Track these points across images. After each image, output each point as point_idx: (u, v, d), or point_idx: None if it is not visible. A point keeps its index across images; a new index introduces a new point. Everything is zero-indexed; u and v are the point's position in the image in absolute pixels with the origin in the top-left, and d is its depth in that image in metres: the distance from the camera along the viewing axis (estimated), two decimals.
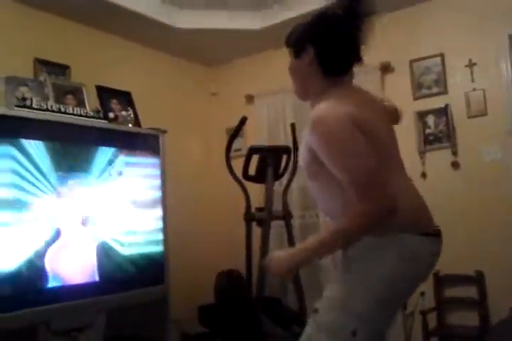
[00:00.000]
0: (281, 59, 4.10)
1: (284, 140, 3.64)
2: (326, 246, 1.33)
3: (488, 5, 3.04)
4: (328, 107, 1.35)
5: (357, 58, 1.46)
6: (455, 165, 3.10)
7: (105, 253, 2.63)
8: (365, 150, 1.31)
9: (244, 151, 3.10)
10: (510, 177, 2.90)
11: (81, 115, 2.73)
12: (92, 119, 2.76)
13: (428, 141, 3.22)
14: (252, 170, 3.01)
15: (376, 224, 1.28)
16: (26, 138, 2.38)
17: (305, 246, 1.35)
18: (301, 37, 1.48)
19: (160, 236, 2.92)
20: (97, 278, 2.58)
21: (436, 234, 1.44)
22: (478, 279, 2.88)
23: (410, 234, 1.35)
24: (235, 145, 3.23)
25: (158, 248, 2.90)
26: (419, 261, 1.37)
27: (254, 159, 3.00)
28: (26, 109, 2.49)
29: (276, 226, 3.25)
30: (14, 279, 2.23)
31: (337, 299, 1.38)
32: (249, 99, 4.00)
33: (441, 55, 3.22)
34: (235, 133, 3.05)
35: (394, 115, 1.65)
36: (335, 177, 1.34)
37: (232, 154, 3.15)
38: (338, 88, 1.43)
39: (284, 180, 3.20)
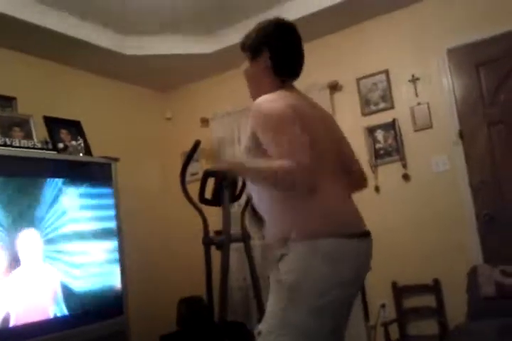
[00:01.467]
0: (233, 81, 4.16)
1: None
2: (256, 175, 1.42)
3: (427, 21, 3.19)
4: (268, 96, 1.47)
5: (302, 63, 1.61)
6: (406, 177, 3.19)
7: (60, 288, 2.56)
8: (298, 129, 1.38)
9: (201, 175, 3.09)
10: (460, 186, 3.00)
11: (28, 147, 2.68)
12: (40, 151, 2.72)
13: (379, 155, 3.31)
14: (208, 194, 3.00)
15: (283, 182, 1.34)
16: None
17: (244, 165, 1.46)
18: (257, 41, 1.59)
19: (117, 267, 2.86)
20: (51, 315, 2.50)
21: (363, 235, 1.46)
22: (435, 287, 2.94)
23: (334, 238, 1.38)
24: (192, 169, 3.23)
25: (116, 279, 2.83)
26: (345, 263, 1.38)
27: (210, 182, 2.99)
28: None
29: (237, 248, 3.25)
30: None
31: (274, 317, 1.39)
32: (204, 122, 4.02)
33: (386, 72, 3.34)
34: (189, 157, 3.05)
35: (360, 179, 1.72)
36: None
37: (189, 178, 3.14)
38: (285, 89, 1.55)
39: (242, 201, 3.21)
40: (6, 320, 2.30)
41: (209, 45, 3.70)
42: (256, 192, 1.54)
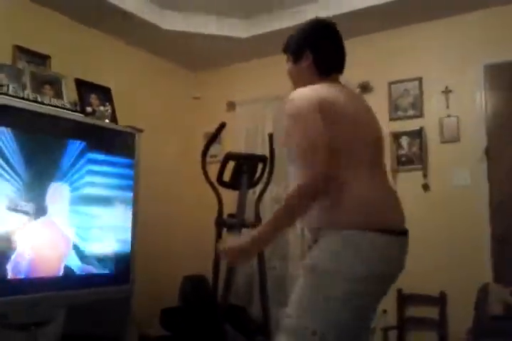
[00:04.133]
0: (264, 68, 4.14)
1: (261, 149, 3.65)
2: (272, 228, 1.41)
3: (469, 34, 3.17)
4: (302, 90, 1.51)
5: (344, 60, 1.65)
6: (425, 187, 3.18)
7: (71, 248, 2.56)
8: (319, 129, 1.40)
9: (221, 157, 3.09)
10: (479, 203, 2.98)
11: (57, 106, 2.66)
12: (68, 112, 2.70)
13: (401, 162, 3.29)
14: (227, 177, 2.99)
15: (304, 201, 1.37)
16: None
17: (253, 235, 1.43)
18: (300, 43, 1.63)
19: (128, 236, 2.85)
20: (61, 273, 2.50)
21: (400, 233, 1.45)
22: (441, 300, 2.93)
23: (367, 231, 1.37)
24: (212, 150, 3.21)
25: (126, 247, 2.83)
26: (375, 258, 1.38)
27: (230, 166, 2.98)
28: (2, 96, 2.40)
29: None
30: None
31: (299, 302, 1.40)
32: (231, 105, 4.01)
33: (420, 79, 3.32)
34: (213, 138, 3.04)
35: None
36: None
37: (208, 159, 3.12)
38: (325, 82, 1.57)
39: (258, 188, 3.20)
40: (17, 269, 2.31)
41: (246, 30, 3.68)
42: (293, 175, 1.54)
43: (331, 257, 1.39)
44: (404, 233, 1.47)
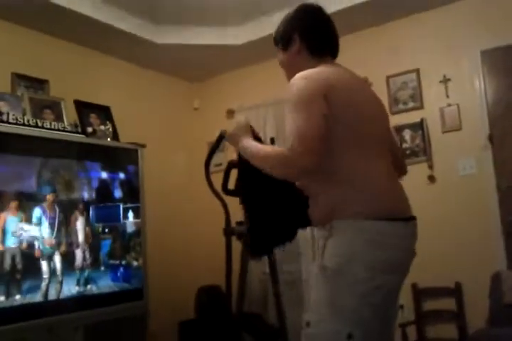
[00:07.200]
0: (262, 73, 4.11)
1: None
2: (250, 155, 1.48)
3: (463, 21, 3.14)
4: (303, 72, 1.44)
5: (336, 41, 1.60)
6: (431, 178, 3.15)
7: (83, 267, 2.60)
8: (320, 111, 1.33)
9: (225, 165, 3.09)
10: (486, 190, 2.95)
11: (58, 129, 2.71)
12: (69, 134, 2.75)
13: (405, 155, 3.27)
14: (232, 184, 2.99)
15: (284, 172, 1.36)
16: (2, 152, 2.35)
17: (246, 145, 1.51)
18: (286, 29, 1.60)
19: (139, 251, 2.89)
20: (73, 293, 2.53)
21: (408, 219, 1.40)
22: (456, 291, 2.90)
23: (379, 220, 1.33)
24: (216, 159, 3.21)
25: (138, 263, 2.86)
26: (389, 247, 1.33)
27: (234, 173, 2.99)
28: (2, 124, 2.47)
29: None
30: None
31: (322, 306, 1.33)
32: (230, 113, 4.03)
33: (417, 71, 3.30)
34: (214, 148, 3.04)
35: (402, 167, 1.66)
36: None
37: (213, 169, 3.12)
38: (324, 65, 1.50)
39: None
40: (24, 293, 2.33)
41: (240, 37, 3.69)
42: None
43: (346, 253, 1.32)
44: (413, 218, 1.43)
